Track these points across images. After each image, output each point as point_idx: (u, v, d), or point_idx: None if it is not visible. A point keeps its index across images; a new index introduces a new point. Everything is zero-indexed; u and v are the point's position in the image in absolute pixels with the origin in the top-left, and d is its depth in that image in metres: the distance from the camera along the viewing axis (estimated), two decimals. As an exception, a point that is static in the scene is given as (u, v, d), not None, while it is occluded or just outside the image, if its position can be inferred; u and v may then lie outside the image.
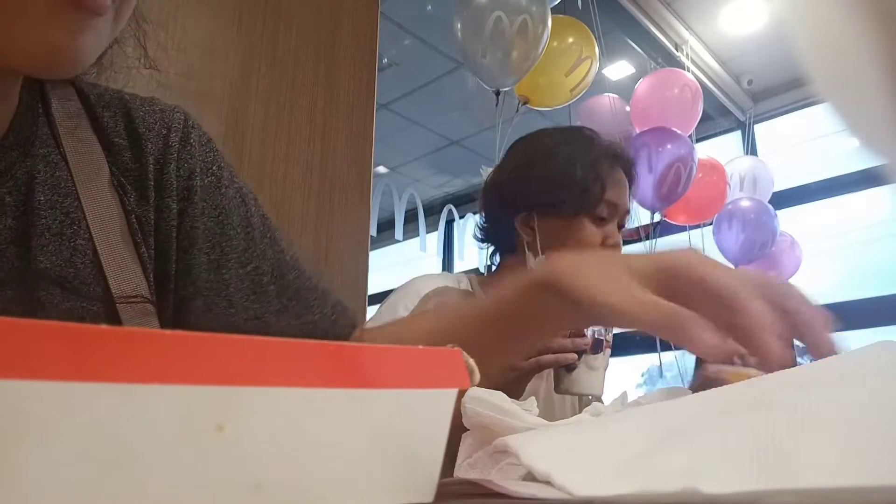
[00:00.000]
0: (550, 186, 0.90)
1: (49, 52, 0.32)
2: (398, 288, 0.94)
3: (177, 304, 0.44)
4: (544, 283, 0.40)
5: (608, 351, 0.76)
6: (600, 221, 0.90)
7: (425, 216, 3.69)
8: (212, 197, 0.45)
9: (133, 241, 0.41)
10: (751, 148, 3.71)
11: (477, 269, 1.07)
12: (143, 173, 0.42)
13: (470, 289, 0.95)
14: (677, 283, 0.36)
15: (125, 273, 0.40)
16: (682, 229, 3.04)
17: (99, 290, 0.39)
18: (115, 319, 0.39)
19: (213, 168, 0.46)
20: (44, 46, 0.32)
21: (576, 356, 0.74)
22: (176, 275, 0.43)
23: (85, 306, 0.38)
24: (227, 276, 0.45)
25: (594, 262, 0.39)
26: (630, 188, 0.95)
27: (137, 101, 0.45)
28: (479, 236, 1.01)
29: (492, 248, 1.01)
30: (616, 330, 0.77)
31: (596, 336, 0.74)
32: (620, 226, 0.94)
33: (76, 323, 0.16)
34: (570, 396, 0.88)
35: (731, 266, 0.39)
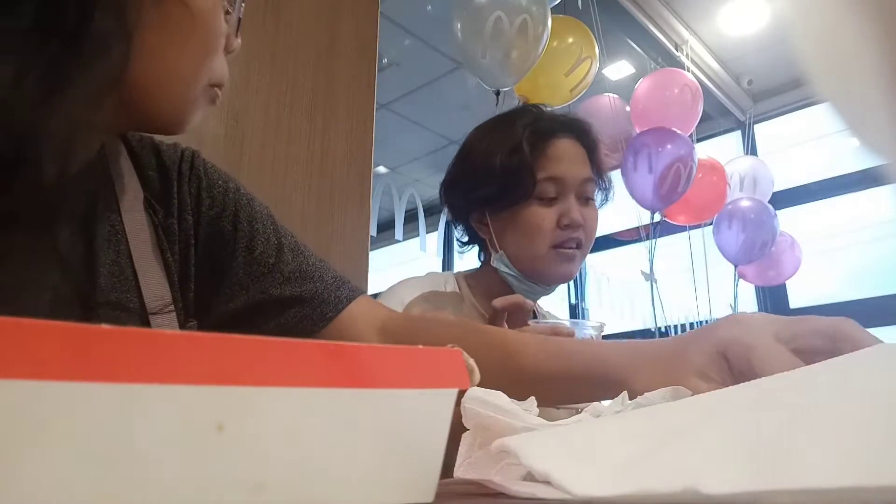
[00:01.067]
0: (478, 184, 0.88)
1: (183, 124, 0.47)
2: (383, 294, 0.91)
3: (198, 299, 0.53)
4: (611, 381, 0.48)
5: None
6: (550, 201, 0.85)
7: (425, 216, 3.69)
8: (220, 204, 0.56)
9: (160, 248, 0.51)
10: (751, 148, 3.71)
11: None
12: (168, 195, 0.53)
13: (457, 289, 0.93)
14: (732, 370, 0.41)
15: (152, 276, 0.49)
16: (682, 229, 3.04)
17: (135, 297, 0.48)
18: (144, 314, 0.48)
19: (219, 182, 0.57)
20: (183, 120, 0.47)
21: None
22: (197, 272, 0.53)
23: (127, 297, 0.48)
24: (235, 265, 0.54)
25: (654, 365, 0.45)
26: (590, 153, 0.89)
27: (164, 146, 0.57)
28: (460, 239, 1.00)
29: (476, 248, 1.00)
30: (606, 331, 0.76)
31: None
32: (586, 196, 0.88)
33: (76, 323, 0.16)
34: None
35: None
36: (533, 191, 0.84)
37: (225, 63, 0.49)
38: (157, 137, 0.56)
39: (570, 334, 0.69)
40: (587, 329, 0.72)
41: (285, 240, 0.57)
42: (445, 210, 0.98)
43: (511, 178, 0.85)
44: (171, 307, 0.49)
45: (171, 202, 0.53)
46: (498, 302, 0.72)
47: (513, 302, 0.73)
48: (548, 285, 0.91)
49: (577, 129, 0.90)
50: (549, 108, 0.95)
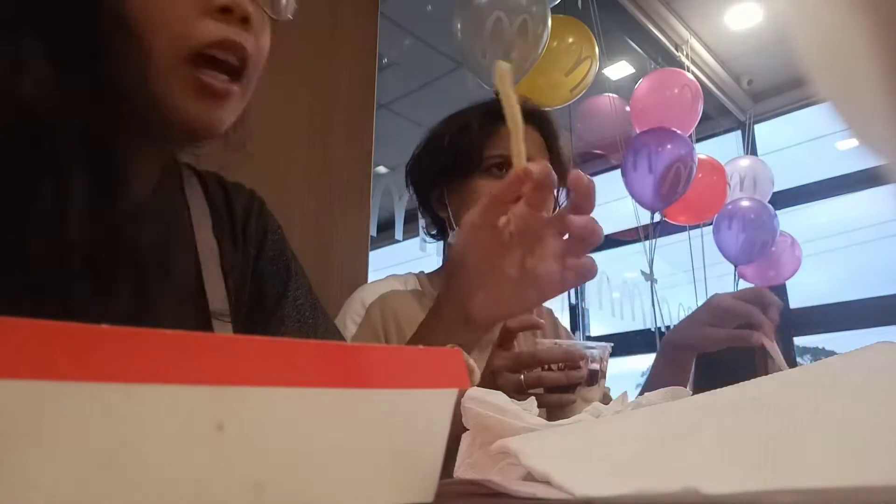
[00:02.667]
0: (432, 159, 0.93)
1: (203, 127, 0.47)
2: (346, 301, 0.92)
3: (244, 324, 0.56)
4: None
5: (603, 381, 0.73)
6: (501, 174, 0.88)
7: (425, 216, 3.68)
8: (279, 248, 0.62)
9: (223, 270, 0.55)
10: (751, 148, 3.71)
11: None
12: (233, 227, 0.59)
13: (419, 287, 0.94)
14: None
15: (217, 291, 0.53)
16: (682, 229, 3.04)
17: (201, 300, 0.52)
18: (208, 326, 0.51)
19: (279, 231, 0.63)
20: (202, 122, 0.46)
21: (574, 398, 0.70)
22: (248, 301, 0.57)
23: (194, 311, 0.51)
24: (283, 304, 0.59)
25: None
26: (548, 141, 0.92)
27: (230, 184, 0.63)
28: (427, 231, 1.02)
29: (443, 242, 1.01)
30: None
31: (591, 368, 0.69)
32: None
33: (80, 323, 0.16)
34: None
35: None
36: (480, 163, 0.89)
37: (219, 27, 0.45)
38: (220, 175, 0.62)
39: (583, 358, 0.69)
40: (594, 351, 0.71)
41: (318, 300, 0.63)
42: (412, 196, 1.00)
43: (460, 151, 0.90)
44: (229, 321, 0.53)
45: (236, 234, 0.58)
46: (513, 322, 0.70)
47: (527, 323, 0.72)
48: None
49: (535, 118, 0.92)
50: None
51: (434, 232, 1.01)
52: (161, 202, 0.53)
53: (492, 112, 0.91)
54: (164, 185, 0.54)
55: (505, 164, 0.88)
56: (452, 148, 0.90)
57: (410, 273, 0.98)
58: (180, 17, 0.43)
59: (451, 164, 0.90)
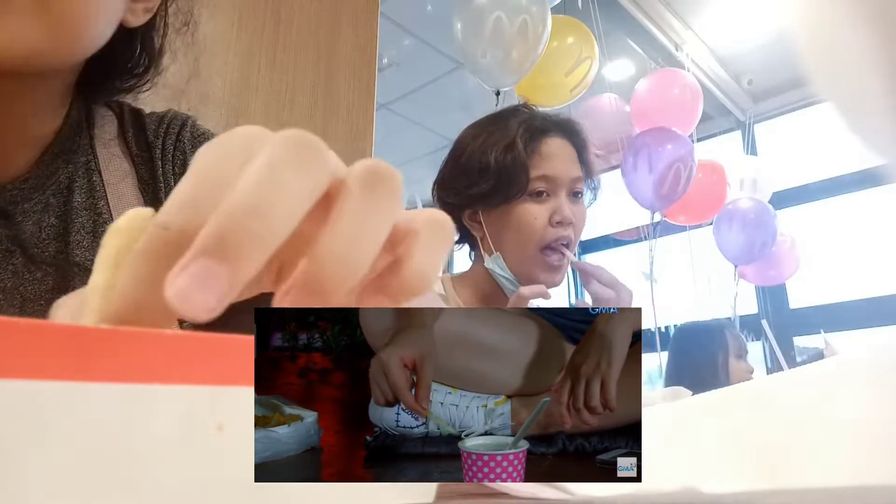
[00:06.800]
0: (472, 181, 0.88)
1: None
2: None
3: None
4: None
5: None
6: (542, 198, 0.86)
7: (425, 216, 3.68)
8: None
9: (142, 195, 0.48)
10: (751, 148, 3.71)
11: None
12: (154, 175, 0.50)
13: (442, 291, 0.93)
14: None
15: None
16: (682, 229, 3.04)
17: None
18: None
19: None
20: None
21: None
22: None
23: None
24: None
25: None
26: (580, 152, 0.90)
27: (152, 117, 0.52)
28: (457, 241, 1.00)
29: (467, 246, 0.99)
30: None
31: None
32: (575, 192, 0.89)
33: (76, 324, 0.16)
34: None
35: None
36: (526, 188, 0.86)
37: None
38: (143, 110, 0.53)
39: None
40: None
41: None
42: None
43: (505, 175, 0.85)
44: None
45: (157, 185, 0.49)
46: (526, 290, 0.71)
47: (540, 292, 0.73)
48: None
49: (568, 129, 0.91)
50: (539, 108, 0.96)
51: (457, 238, 0.98)
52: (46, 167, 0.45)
53: (532, 129, 0.88)
54: (61, 138, 0.45)
55: (548, 184, 0.86)
56: (498, 172, 0.85)
57: None
58: None
59: (496, 190, 0.86)
